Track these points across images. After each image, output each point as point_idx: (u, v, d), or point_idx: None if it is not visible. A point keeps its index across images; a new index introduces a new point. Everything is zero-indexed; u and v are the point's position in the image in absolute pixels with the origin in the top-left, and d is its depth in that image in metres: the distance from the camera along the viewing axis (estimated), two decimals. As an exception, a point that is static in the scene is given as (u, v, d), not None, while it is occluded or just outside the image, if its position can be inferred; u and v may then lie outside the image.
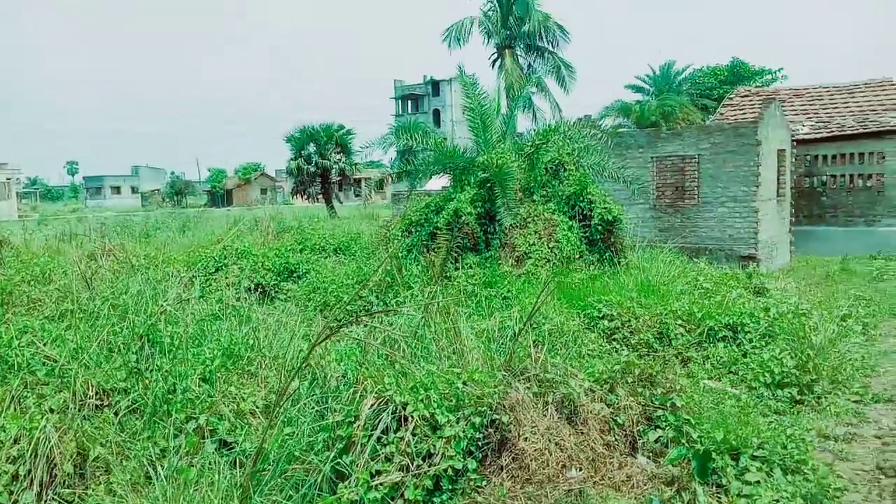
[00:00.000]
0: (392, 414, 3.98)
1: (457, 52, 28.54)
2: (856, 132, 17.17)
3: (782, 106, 17.58)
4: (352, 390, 4.13)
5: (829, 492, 4.27)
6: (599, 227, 9.64)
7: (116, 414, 4.58)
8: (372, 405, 3.97)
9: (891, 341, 8.16)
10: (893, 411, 5.79)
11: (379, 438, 3.92)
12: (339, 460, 3.84)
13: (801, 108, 19.47)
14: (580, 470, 4.35)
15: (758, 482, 4.28)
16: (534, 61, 28.32)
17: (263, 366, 5.15)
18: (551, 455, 4.33)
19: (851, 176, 17.38)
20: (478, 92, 10.06)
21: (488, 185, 9.38)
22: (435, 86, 59.93)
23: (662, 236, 14.01)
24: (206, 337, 5.67)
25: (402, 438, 3.90)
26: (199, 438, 4.14)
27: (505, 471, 4.29)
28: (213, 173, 76.56)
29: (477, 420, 4.21)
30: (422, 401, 4.06)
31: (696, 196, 14.15)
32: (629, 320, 7.34)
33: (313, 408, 4.18)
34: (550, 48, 27.87)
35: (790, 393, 5.95)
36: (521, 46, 28.30)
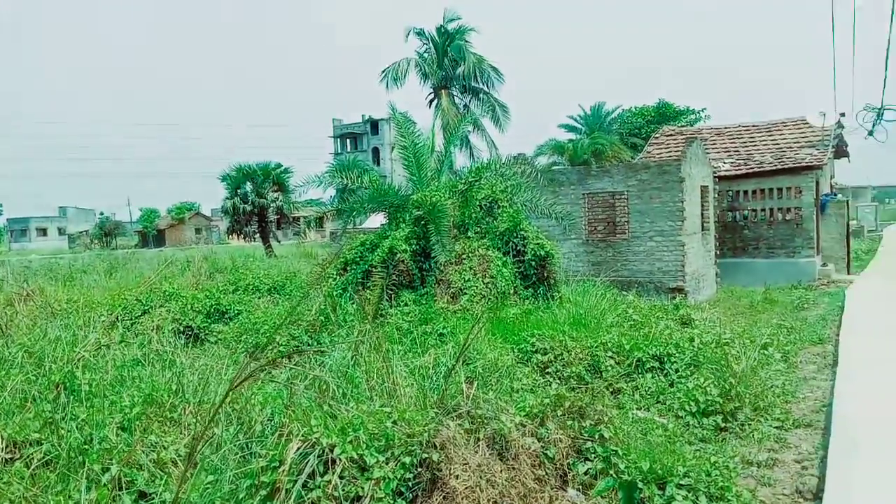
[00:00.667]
0: (319, 457, 3.90)
1: (395, 92, 29.00)
2: (774, 168, 18.12)
3: (705, 144, 18.44)
4: (277, 434, 4.03)
5: (751, 517, 4.38)
6: (533, 263, 9.80)
7: (28, 466, 4.33)
8: (298, 448, 3.88)
9: (810, 368, 8.51)
10: (812, 436, 6.01)
11: (305, 483, 3.82)
12: (263, 507, 3.72)
13: (723, 146, 20.45)
14: (512, 506, 4.33)
15: (684, 511, 4.36)
16: (469, 101, 28.98)
17: (187, 412, 4.98)
18: (483, 492, 4.30)
19: (771, 210, 18.26)
20: (411, 130, 10.20)
21: (423, 222, 9.45)
22: (374, 125, 60.42)
23: (595, 270, 14.34)
24: (126, 383, 5.45)
25: (329, 482, 3.81)
26: (114, 490, 3.95)
27: (436, 511, 4.24)
28: (144, 213, 74.45)
29: (407, 460, 4.16)
30: (350, 442, 4.00)
31: (626, 231, 14.59)
32: (561, 353, 7.45)
33: (237, 454, 4.05)
34: (486, 89, 28.62)
35: (715, 421, 6.12)
36: (457, 87, 28.97)
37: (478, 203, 10.30)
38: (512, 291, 9.39)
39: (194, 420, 4.74)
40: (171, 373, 5.61)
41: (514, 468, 4.59)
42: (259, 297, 11.23)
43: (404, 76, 28.15)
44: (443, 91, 28.26)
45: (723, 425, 6.11)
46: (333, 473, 3.85)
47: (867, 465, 5.09)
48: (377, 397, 5.19)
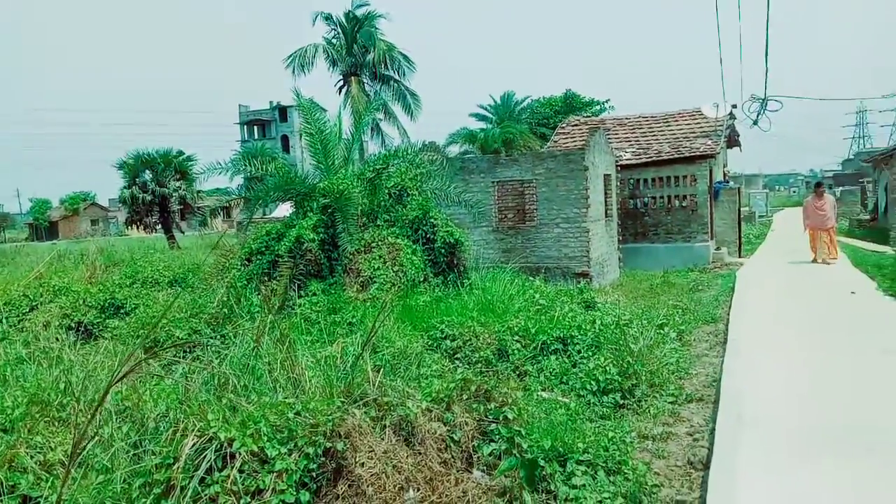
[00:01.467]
0: (217, 452, 3.78)
1: (303, 78, 28.32)
2: (671, 157, 18.97)
3: (608, 134, 19.08)
4: (171, 430, 3.88)
5: (646, 489, 4.59)
6: (443, 250, 9.86)
7: None
8: (194, 444, 3.75)
9: (703, 346, 8.98)
10: (703, 409, 6.36)
11: (202, 479, 3.70)
12: (158, 506, 3.57)
13: (625, 136, 21.23)
14: (417, 490, 4.37)
15: (583, 485, 4.52)
16: (380, 89, 28.73)
17: (76, 411, 4.71)
18: (388, 478, 4.31)
19: (669, 197, 19.13)
20: (317, 116, 10.00)
21: (330, 210, 9.31)
22: (282, 112, 58.83)
23: (505, 257, 14.59)
24: (8, 383, 5.10)
25: (227, 477, 3.71)
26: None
27: (341, 499, 4.21)
28: (35, 204, 69.68)
29: (311, 450, 4.11)
30: (250, 435, 3.90)
31: (534, 218, 14.90)
32: (470, 339, 7.55)
33: (129, 452, 3.87)
34: (396, 77, 28.44)
35: (614, 398, 6.38)
36: (367, 74, 28.64)
37: (387, 191, 10.25)
38: (422, 279, 9.42)
39: (85, 419, 4.49)
40: (58, 371, 5.28)
41: (420, 453, 4.62)
42: (159, 291, 10.76)
43: (312, 62, 27.57)
44: (352, 78, 27.87)
45: (621, 402, 6.37)
46: (232, 468, 3.74)
47: (751, 434, 5.44)
48: (281, 389, 5.10)
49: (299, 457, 4.05)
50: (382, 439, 4.59)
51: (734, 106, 19.46)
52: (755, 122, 18.52)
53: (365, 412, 4.69)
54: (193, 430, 3.82)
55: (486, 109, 38.39)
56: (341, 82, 28.80)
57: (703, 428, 5.82)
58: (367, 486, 4.23)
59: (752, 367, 7.49)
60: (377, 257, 9.08)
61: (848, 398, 6.29)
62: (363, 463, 4.31)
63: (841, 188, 43.79)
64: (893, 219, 22.01)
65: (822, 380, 6.92)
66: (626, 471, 4.78)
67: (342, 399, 4.76)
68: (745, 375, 7.13)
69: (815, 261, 16.52)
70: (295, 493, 3.90)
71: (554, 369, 7.11)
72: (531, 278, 11.98)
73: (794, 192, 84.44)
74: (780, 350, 8.31)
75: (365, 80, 28.42)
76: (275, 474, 3.87)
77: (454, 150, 34.27)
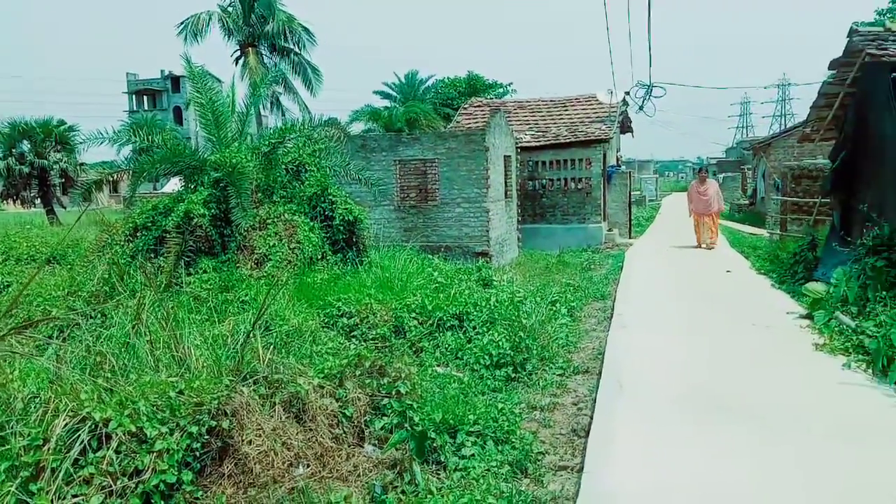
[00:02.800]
0: (91, 432, 3.60)
1: (197, 47, 26.98)
2: (568, 141, 19.56)
3: (508, 116, 19.41)
4: (42, 411, 3.66)
5: (532, 456, 4.77)
6: (341, 228, 9.75)
7: None
8: (66, 424, 3.55)
9: (592, 321, 9.38)
10: (588, 381, 6.65)
11: (76, 461, 3.52)
12: (26, 490, 3.37)
13: (525, 119, 21.68)
14: (307, 466, 4.35)
15: (472, 455, 4.65)
16: (280, 62, 27.82)
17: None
18: (277, 456, 4.26)
19: (566, 179, 19.74)
20: (208, 86, 9.57)
21: (223, 185, 8.97)
22: (175, 81, 55.84)
23: (407, 236, 14.61)
24: None
25: (103, 458, 3.54)
26: None
27: (227, 478, 4.13)
28: None
29: (194, 429, 3.99)
30: (128, 415, 3.74)
31: (436, 197, 14.98)
32: (367, 316, 7.53)
33: (-8, 436, 3.61)
34: (297, 49, 27.61)
35: (506, 372, 6.56)
36: (266, 46, 27.64)
37: (284, 166, 9.99)
38: (320, 257, 9.29)
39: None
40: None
41: (311, 429, 4.59)
42: (35, 269, 10.05)
43: (205, 30, 26.27)
44: (250, 49, 26.80)
45: (513, 376, 6.56)
46: (108, 448, 3.58)
47: (628, 401, 5.77)
48: (165, 368, 4.90)
49: (181, 436, 3.92)
50: (272, 417, 4.52)
51: (627, 93, 20.28)
52: (641, 108, 19.43)
53: (254, 390, 4.60)
54: (65, 410, 3.62)
55: (390, 87, 38.08)
56: (238, 53, 27.68)
57: (587, 398, 6.10)
58: (255, 464, 4.17)
59: (633, 339, 7.92)
60: (273, 234, 8.86)
61: (718, 367, 6.78)
62: (251, 441, 4.23)
63: (724, 174, 46.70)
64: (769, 204, 23.72)
65: (696, 350, 7.42)
66: (513, 440, 4.95)
67: (231, 378, 4.65)
68: (627, 347, 7.53)
69: (698, 246, 17.21)
70: (177, 472, 3.79)
71: (449, 345, 7.22)
72: (431, 257, 12.08)
73: (683, 177, 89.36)
74: (660, 323, 8.83)
75: (263, 52, 27.42)
76: (154, 454, 3.73)
77: (358, 127, 33.83)
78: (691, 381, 6.28)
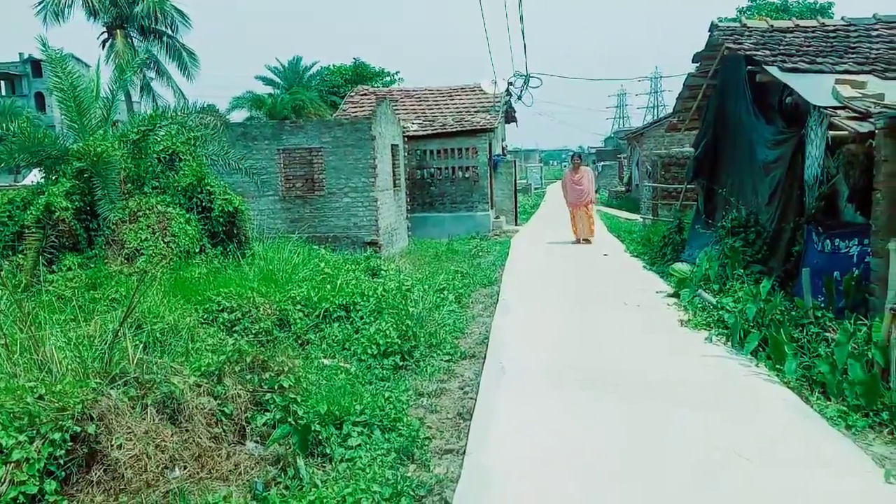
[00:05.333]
0: (-68, 448, 3.28)
1: (59, 28, 24.91)
2: (455, 130, 19.80)
3: (395, 105, 19.36)
4: None
5: (419, 442, 4.82)
6: (221, 219, 9.37)
7: None
8: None
9: (479, 307, 9.58)
10: (475, 365, 6.79)
11: (-86, 481, 3.20)
12: None
13: (412, 108, 21.71)
14: (184, 468, 4.18)
15: (359, 445, 4.63)
16: (152, 45, 26.25)
17: None
18: (150, 459, 4.06)
19: (453, 168, 19.97)
20: (69, 69, 8.87)
21: (87, 175, 8.38)
22: (36, 65, 51.32)
23: (293, 227, 14.27)
24: None
25: (-53, 474, 3.24)
26: None
27: (96, 485, 3.90)
28: None
29: (57, 436, 3.73)
30: (-23, 426, 3.44)
31: (323, 187, 14.72)
32: (250, 310, 7.30)
33: None
34: (170, 33, 26.15)
35: (394, 360, 6.57)
36: (135, 28, 25.98)
37: (156, 155, 9.46)
38: (197, 250, 8.89)
39: None
40: None
41: (187, 430, 4.41)
42: None
43: (68, 11, 24.32)
44: (118, 31, 25.07)
45: (401, 364, 6.58)
46: (-46, 464, 3.28)
47: (509, 381, 5.97)
48: (24, 373, 4.54)
49: (43, 444, 3.66)
50: (144, 419, 4.31)
51: (510, 83, 20.76)
52: (519, 97, 20.01)
53: (123, 392, 4.36)
54: None
55: (273, 73, 36.86)
56: (105, 35, 25.84)
57: (473, 382, 6.23)
58: (126, 469, 3.95)
59: (516, 322, 8.18)
60: (145, 227, 8.37)
61: (593, 344, 7.15)
62: (120, 445, 4.01)
63: (603, 163, 49.02)
64: (642, 190, 25.08)
65: (573, 330, 7.77)
66: (400, 427, 4.97)
67: (98, 380, 4.38)
68: (510, 330, 7.77)
69: (577, 240, 16.08)
70: (38, 483, 3.54)
71: (336, 336, 7.15)
72: (318, 248, 11.88)
73: (566, 166, 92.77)
74: (542, 306, 9.16)
75: (133, 35, 25.75)
76: (12, 465, 3.47)
77: (240, 115, 32.64)
78: (568, 359, 6.58)
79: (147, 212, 8.55)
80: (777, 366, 5.89)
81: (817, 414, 4.97)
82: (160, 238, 8.36)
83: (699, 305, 8.33)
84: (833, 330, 6.00)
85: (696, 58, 11.34)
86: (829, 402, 5.14)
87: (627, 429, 4.83)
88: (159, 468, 4.05)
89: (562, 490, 3.97)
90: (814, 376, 5.54)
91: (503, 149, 24.60)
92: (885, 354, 4.99)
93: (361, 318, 7.57)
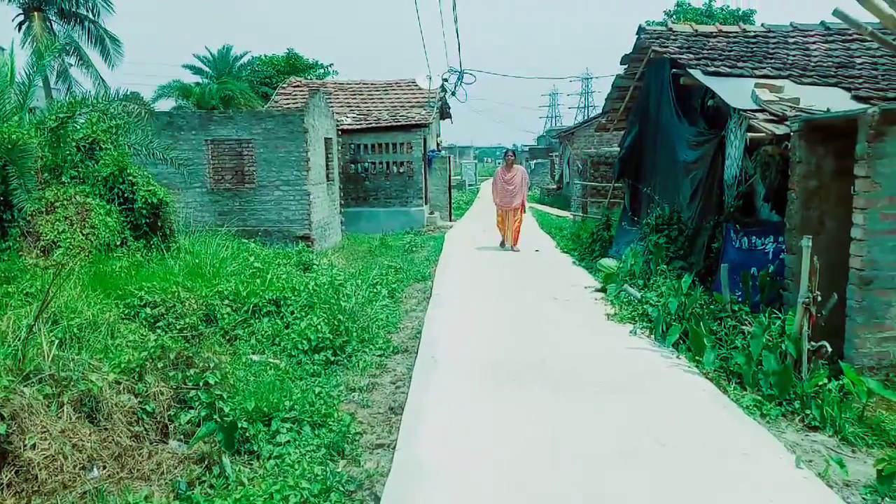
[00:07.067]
0: None
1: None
2: (389, 125, 19.71)
3: (329, 98, 19.08)
4: None
5: (349, 437, 4.79)
6: (144, 211, 9.03)
7: None
8: None
9: (412, 302, 9.59)
10: (407, 359, 6.80)
11: None
12: None
13: (346, 101, 21.49)
14: (103, 468, 4.02)
15: (288, 442, 4.56)
16: (73, 30, 24.97)
17: None
18: (67, 459, 3.89)
19: (388, 163, 19.90)
20: (-23, 52, 8.36)
21: (1, 164, 7.92)
22: (-58, 45, 48.15)
23: (222, 220, 13.90)
24: None
25: None
26: None
27: (7, 487, 3.71)
28: None
29: (-38, 439, 3.53)
30: None
31: (253, 180, 14.39)
32: (174, 305, 7.07)
33: None
34: (92, 17, 24.95)
35: (326, 356, 6.51)
36: (54, 11, 24.67)
37: (75, 144, 9.03)
38: (119, 243, 8.54)
39: None
40: None
41: (106, 428, 4.25)
42: None
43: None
44: (35, 13, 23.75)
45: (332, 359, 6.52)
46: None
47: (441, 374, 6.00)
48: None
49: (-55, 448, 3.45)
50: (60, 417, 4.12)
51: (445, 79, 20.81)
52: (453, 93, 20.13)
53: (38, 389, 4.16)
54: None
55: (202, 61, 35.65)
56: (21, 17, 24.42)
57: (405, 376, 6.23)
58: (40, 470, 3.77)
59: (449, 316, 8.23)
60: (62, 218, 7.98)
61: (523, 337, 7.27)
62: (34, 445, 3.83)
63: (535, 161, 49.80)
64: (573, 188, 25.62)
65: (504, 324, 7.88)
66: (331, 423, 4.92)
67: (10, 377, 4.16)
68: (443, 324, 7.82)
69: (503, 244, 14.50)
70: (-61, 490, 3.33)
71: (266, 331, 7.01)
72: (248, 242, 11.62)
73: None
74: (474, 300, 9.25)
75: (52, 18, 24.44)
76: None
77: (167, 104, 31.50)
78: (500, 352, 6.68)
79: (65, 202, 8.16)
80: (697, 357, 6.15)
81: (734, 403, 5.21)
82: (79, 230, 8.00)
83: (625, 300, 8.58)
84: (749, 323, 6.30)
85: (625, 60, 11.67)
86: (745, 392, 5.40)
87: (556, 419, 4.95)
88: (76, 468, 3.88)
89: (492, 478, 4.03)
90: (731, 367, 5.80)
91: (438, 145, 24.66)
92: (797, 346, 5.27)
93: (292, 313, 7.46)
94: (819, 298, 5.24)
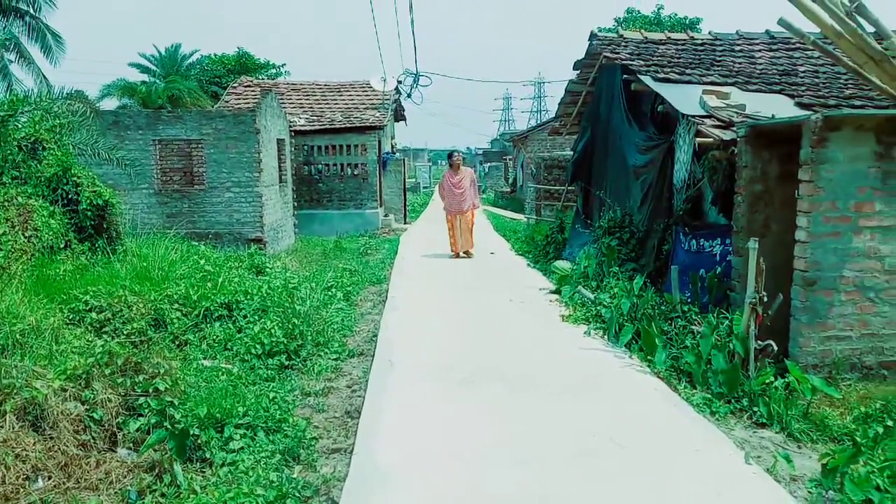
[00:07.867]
0: None
1: None
2: (343, 126, 19.58)
3: (281, 99, 18.85)
4: None
5: (305, 442, 4.72)
6: (89, 213, 8.75)
7: None
8: None
9: (367, 305, 9.52)
10: (363, 363, 6.75)
11: None
12: None
13: (299, 102, 21.25)
14: (49, 478, 3.87)
15: (241, 448, 4.47)
16: (11, 25, 24.00)
17: None
18: (9, 470, 3.75)
19: (342, 165, 19.75)
20: None
21: (-66, 163, 7.58)
22: None
23: (170, 222, 13.55)
24: None
25: None
26: None
27: (-57, 504, 3.54)
28: None
29: None
30: None
31: (203, 181, 14.09)
32: (121, 310, 6.87)
33: None
34: (32, 12, 24.03)
35: (280, 360, 6.40)
36: (-8, 4, 23.67)
37: (16, 143, 8.69)
38: (63, 246, 8.25)
39: None
40: None
41: (52, 437, 4.10)
42: None
43: None
44: (-29, 6, 22.79)
45: (287, 363, 6.42)
46: None
47: (397, 377, 5.99)
48: None
49: None
50: (2, 427, 3.96)
51: (399, 81, 20.78)
52: (409, 95, 20.14)
53: (-24, 399, 3.99)
54: None
55: (149, 60, 34.68)
56: (-44, 10, 23.34)
57: (361, 379, 6.18)
58: (-21, 484, 3.62)
59: (405, 319, 8.21)
60: (3, 220, 7.64)
61: (478, 339, 7.30)
62: (-27, 457, 3.67)
63: (489, 164, 50.16)
64: (527, 191, 25.88)
65: (459, 326, 7.91)
66: (286, 428, 4.85)
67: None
68: (398, 327, 7.79)
69: (455, 254, 13.62)
70: None
71: (218, 336, 6.88)
72: (198, 244, 11.36)
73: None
74: (430, 303, 9.25)
75: (-11, 11, 23.43)
76: None
77: (112, 103, 30.56)
78: (456, 354, 6.69)
79: (6, 204, 7.84)
80: (648, 357, 6.28)
81: (684, 401, 5.33)
82: (20, 232, 7.69)
83: (579, 301, 8.71)
84: (698, 323, 6.47)
85: (577, 65, 11.85)
86: (695, 391, 5.54)
87: (513, 420, 4.98)
88: (19, 479, 3.74)
89: (450, 481, 4.03)
90: (681, 366, 5.94)
91: (393, 147, 24.59)
92: (744, 345, 5.42)
93: (245, 317, 7.33)
94: (765, 299, 5.41)
